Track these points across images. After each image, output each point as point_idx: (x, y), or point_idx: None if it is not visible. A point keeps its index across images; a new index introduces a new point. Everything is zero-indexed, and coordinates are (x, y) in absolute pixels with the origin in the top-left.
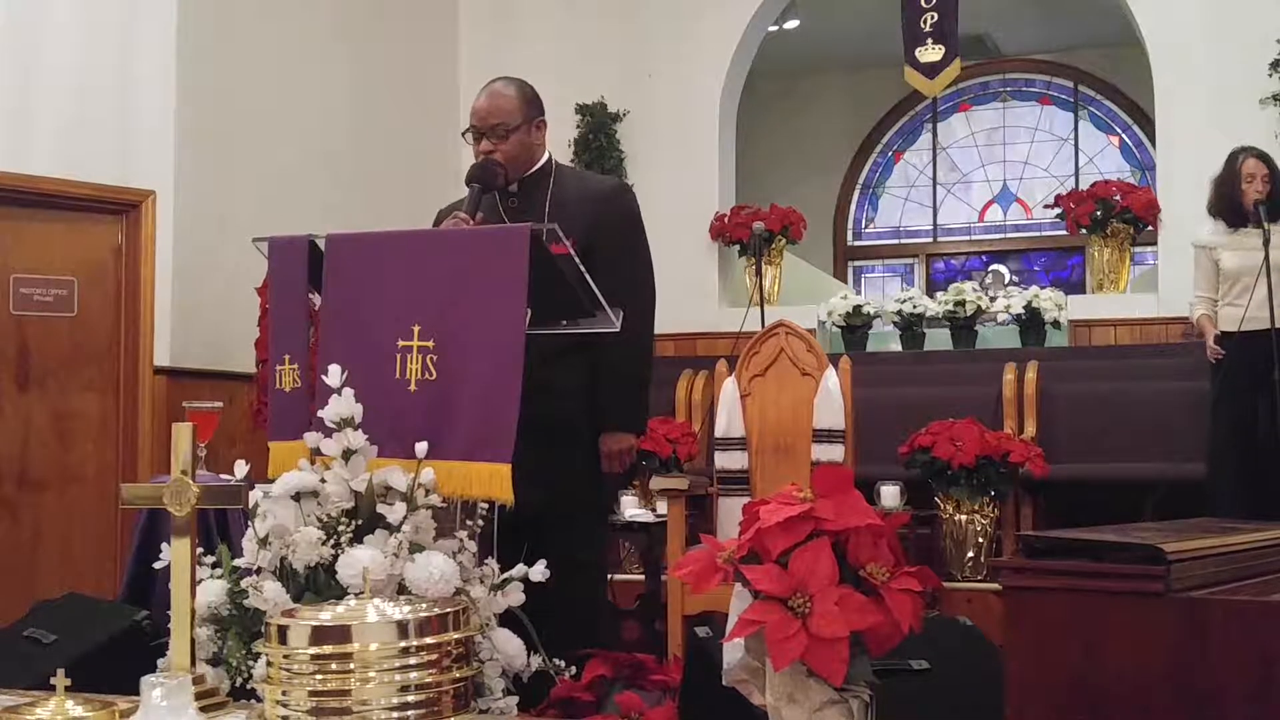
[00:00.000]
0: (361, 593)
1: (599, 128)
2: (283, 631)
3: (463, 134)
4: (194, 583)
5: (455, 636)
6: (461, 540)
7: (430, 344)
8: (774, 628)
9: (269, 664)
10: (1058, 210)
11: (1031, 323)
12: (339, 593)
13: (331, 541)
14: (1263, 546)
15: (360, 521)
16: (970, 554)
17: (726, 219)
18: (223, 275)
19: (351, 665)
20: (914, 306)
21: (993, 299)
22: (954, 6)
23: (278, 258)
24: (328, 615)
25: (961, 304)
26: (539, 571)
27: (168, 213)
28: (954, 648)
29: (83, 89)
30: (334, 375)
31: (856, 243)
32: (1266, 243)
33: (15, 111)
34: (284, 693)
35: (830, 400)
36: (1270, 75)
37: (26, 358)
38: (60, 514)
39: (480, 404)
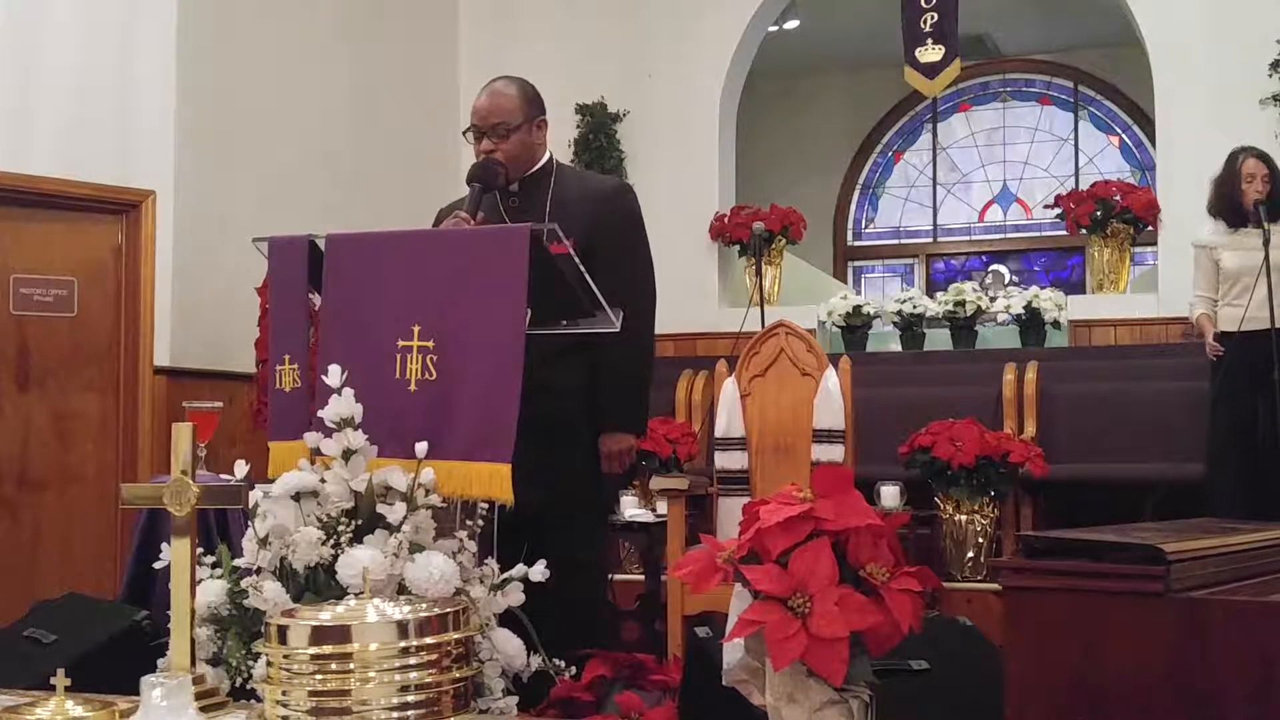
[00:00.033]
0: (361, 593)
1: (599, 128)
2: (283, 631)
3: (463, 133)
4: (194, 583)
5: (455, 636)
6: (461, 540)
7: (430, 344)
8: (774, 628)
9: (269, 664)
10: (1058, 210)
11: (1031, 323)
12: (339, 593)
13: (331, 541)
14: (1263, 546)
15: (360, 521)
16: (970, 554)
17: (726, 219)
18: (223, 275)
19: (351, 665)
20: (914, 307)
21: (993, 299)
22: (954, 6)
23: (278, 258)
24: (328, 615)
25: (961, 304)
26: (539, 571)
27: (168, 213)
28: (954, 648)
29: (83, 89)
30: (334, 375)
31: (856, 243)
32: (1266, 243)
33: (15, 111)
34: (284, 693)
35: (830, 400)
36: (1270, 75)
37: (26, 358)
38: (60, 514)
39: (480, 404)
